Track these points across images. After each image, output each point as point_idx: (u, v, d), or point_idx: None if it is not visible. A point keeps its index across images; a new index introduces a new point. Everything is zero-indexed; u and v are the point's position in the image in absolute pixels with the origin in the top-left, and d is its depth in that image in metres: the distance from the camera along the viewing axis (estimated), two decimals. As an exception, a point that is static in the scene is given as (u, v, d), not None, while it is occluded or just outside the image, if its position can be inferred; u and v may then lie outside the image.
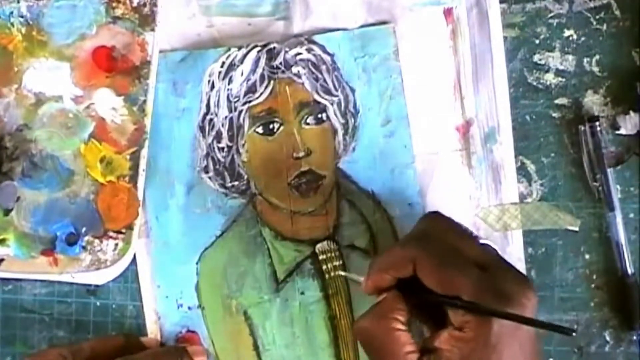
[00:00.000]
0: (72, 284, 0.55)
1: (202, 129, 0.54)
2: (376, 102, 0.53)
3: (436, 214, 0.44)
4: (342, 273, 0.52)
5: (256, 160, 0.53)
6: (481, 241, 0.42)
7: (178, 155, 0.54)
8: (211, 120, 0.54)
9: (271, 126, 0.53)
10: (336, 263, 0.52)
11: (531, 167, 0.53)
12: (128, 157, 0.53)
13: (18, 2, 0.54)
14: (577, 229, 0.52)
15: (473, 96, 0.52)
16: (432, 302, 0.41)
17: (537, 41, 0.53)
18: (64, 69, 0.54)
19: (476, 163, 0.52)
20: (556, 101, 0.53)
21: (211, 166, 0.54)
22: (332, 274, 0.53)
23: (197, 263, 0.54)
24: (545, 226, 0.52)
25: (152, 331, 0.54)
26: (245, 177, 0.54)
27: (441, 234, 0.42)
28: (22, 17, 0.54)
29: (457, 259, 0.40)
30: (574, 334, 0.37)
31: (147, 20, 0.53)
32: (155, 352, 0.52)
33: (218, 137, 0.54)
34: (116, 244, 0.53)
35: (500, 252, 0.51)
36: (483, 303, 0.38)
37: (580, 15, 0.52)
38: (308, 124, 0.53)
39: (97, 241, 0.53)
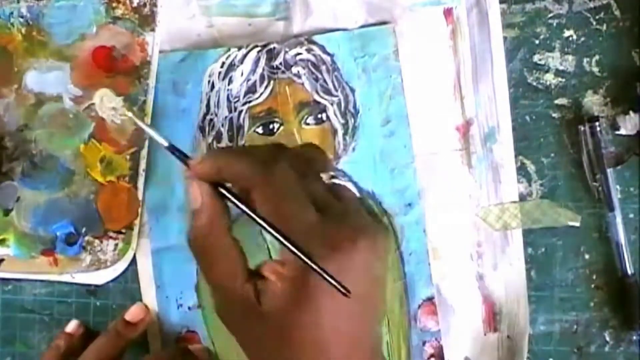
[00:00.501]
0: (72, 284, 0.55)
1: (202, 129, 0.54)
2: (376, 102, 0.53)
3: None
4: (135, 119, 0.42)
5: (256, 160, 0.53)
6: (338, 181, 0.39)
7: (178, 156, 0.54)
8: (211, 120, 0.54)
9: (271, 126, 0.53)
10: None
11: (531, 167, 0.53)
12: (128, 157, 0.53)
13: (18, 2, 0.54)
14: (578, 224, 0.51)
15: (473, 96, 0.52)
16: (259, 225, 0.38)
17: (537, 41, 0.53)
18: (64, 69, 0.54)
19: (476, 163, 0.52)
20: (556, 101, 0.53)
21: (211, 166, 0.54)
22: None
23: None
24: (545, 224, 0.52)
25: (152, 331, 0.54)
26: (245, 177, 0.53)
27: (291, 163, 0.37)
28: (22, 17, 0.54)
29: (297, 195, 0.36)
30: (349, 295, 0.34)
31: (147, 20, 0.53)
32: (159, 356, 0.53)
33: (218, 137, 0.54)
34: (116, 244, 0.53)
35: (500, 252, 0.52)
36: (309, 246, 0.35)
37: (580, 16, 0.52)
38: (308, 124, 0.53)
39: (97, 241, 0.53)
